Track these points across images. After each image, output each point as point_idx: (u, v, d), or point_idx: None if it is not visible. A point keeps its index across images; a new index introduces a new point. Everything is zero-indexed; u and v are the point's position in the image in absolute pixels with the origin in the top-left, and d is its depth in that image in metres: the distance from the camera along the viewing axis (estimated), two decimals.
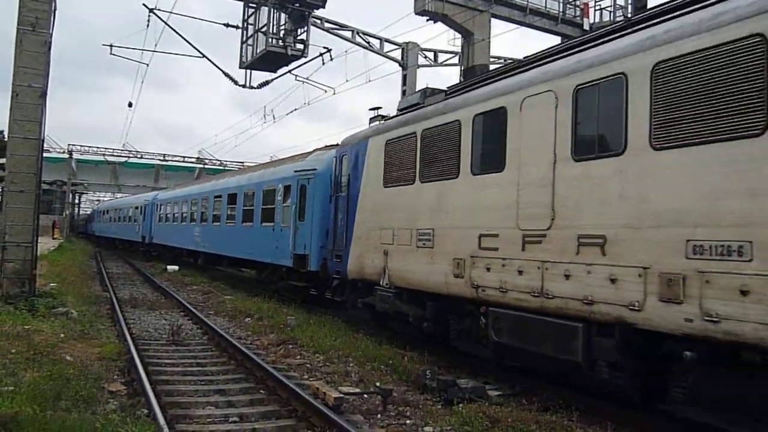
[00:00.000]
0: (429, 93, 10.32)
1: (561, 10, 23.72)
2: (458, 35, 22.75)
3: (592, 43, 6.95)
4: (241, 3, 20.43)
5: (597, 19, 24.14)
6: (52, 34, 13.00)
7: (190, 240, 25.77)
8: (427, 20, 21.55)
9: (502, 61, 24.93)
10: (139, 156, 56.80)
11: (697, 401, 5.58)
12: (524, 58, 8.09)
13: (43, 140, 13.08)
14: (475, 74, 9.34)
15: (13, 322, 10.03)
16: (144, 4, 20.11)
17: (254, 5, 20.23)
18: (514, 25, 23.02)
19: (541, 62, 7.63)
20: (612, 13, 24.11)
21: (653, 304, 5.52)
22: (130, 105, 34.45)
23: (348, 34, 22.85)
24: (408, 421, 6.56)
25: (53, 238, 46.29)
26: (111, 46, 22.71)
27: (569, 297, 6.45)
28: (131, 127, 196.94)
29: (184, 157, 59.13)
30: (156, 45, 35.70)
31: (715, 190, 5.13)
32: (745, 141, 4.92)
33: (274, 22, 19.65)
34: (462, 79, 9.84)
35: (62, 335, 9.71)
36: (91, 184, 61.00)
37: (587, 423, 6.33)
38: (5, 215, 13.03)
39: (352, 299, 11.93)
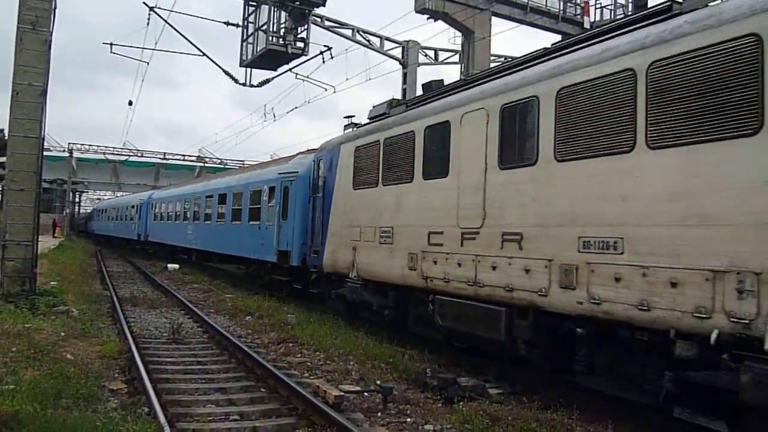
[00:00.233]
0: (394, 104, 11.43)
1: (561, 8, 23.78)
2: (459, 34, 22.97)
3: (519, 67, 8.06)
4: (242, 1, 20.41)
5: (597, 17, 23.97)
6: (52, 33, 12.96)
7: (183, 238, 26.80)
8: (428, 18, 21.84)
9: (503, 59, 24.49)
10: (139, 154, 57.03)
11: (591, 371, 6.71)
12: (467, 75, 9.18)
13: (43, 139, 13.05)
14: (431, 89, 10.45)
15: (14, 321, 10.01)
16: (144, 3, 19.99)
17: (254, 3, 20.20)
18: (515, 24, 23.15)
19: (479, 82, 8.75)
20: (612, 11, 24.07)
21: (555, 290, 6.65)
22: (130, 103, 33.81)
23: (348, 32, 23.12)
24: (408, 420, 6.59)
25: (54, 237, 46.91)
26: (111, 44, 22.51)
27: (496, 285, 7.57)
28: (131, 126, 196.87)
29: (184, 155, 59.71)
30: (156, 43, 35.32)
31: (598, 195, 6.26)
32: (617, 156, 6.08)
33: (275, 21, 19.70)
34: (423, 91, 10.96)
35: (63, 334, 9.70)
36: (92, 182, 60.83)
37: (588, 421, 6.33)
38: (6, 214, 12.98)
39: (328, 290, 13.04)
